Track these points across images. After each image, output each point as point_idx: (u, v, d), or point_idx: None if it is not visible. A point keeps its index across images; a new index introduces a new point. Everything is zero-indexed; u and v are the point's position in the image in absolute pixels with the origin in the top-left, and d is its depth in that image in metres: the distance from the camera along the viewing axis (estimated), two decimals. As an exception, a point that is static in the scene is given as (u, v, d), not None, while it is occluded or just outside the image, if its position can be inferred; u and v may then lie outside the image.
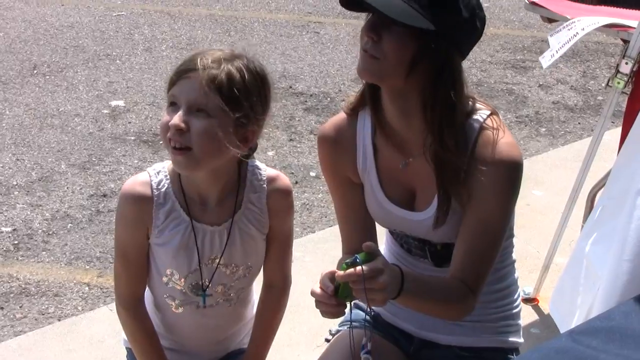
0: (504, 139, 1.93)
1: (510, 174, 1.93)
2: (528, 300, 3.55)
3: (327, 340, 2.32)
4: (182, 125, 1.88)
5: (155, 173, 2.04)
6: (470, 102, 1.97)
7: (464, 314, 2.00)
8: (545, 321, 3.38)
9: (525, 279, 3.64)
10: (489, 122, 1.95)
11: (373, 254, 1.74)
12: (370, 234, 2.17)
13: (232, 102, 1.89)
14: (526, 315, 3.46)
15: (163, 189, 2.03)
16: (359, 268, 1.68)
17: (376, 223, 2.19)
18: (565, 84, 6.25)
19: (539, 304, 3.54)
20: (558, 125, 5.59)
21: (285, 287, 2.23)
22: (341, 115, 2.13)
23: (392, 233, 2.22)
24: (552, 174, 4.70)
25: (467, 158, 1.92)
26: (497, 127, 1.94)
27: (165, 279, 2.10)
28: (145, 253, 2.08)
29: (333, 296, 1.76)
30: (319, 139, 2.14)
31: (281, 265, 2.20)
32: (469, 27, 1.88)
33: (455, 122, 1.91)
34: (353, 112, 2.10)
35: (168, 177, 2.04)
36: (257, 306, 2.25)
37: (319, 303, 1.79)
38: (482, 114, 1.97)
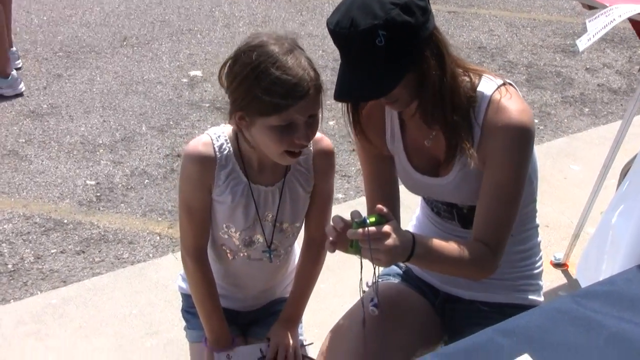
0: (514, 106, 1.89)
1: (520, 138, 1.88)
2: (558, 265, 3.51)
3: (364, 292, 2.33)
4: (310, 142, 1.96)
5: (216, 137, 2.05)
6: (470, 76, 1.93)
7: (485, 274, 1.98)
8: (573, 285, 3.34)
9: (557, 245, 3.62)
10: (496, 93, 1.91)
11: (384, 217, 1.73)
12: (394, 207, 2.15)
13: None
14: (555, 279, 3.43)
15: (225, 152, 2.03)
16: (367, 229, 1.68)
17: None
18: (611, 68, 6.10)
19: (568, 269, 3.50)
20: (601, 106, 5.46)
21: (324, 242, 2.23)
22: None
23: (424, 199, 2.22)
24: (590, 151, 4.61)
25: (480, 127, 1.90)
26: (505, 97, 1.90)
27: (222, 232, 2.12)
28: (209, 207, 2.09)
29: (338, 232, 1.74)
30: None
31: (321, 221, 2.19)
32: (426, 17, 1.79)
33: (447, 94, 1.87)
34: None
35: (228, 141, 2.05)
36: (299, 259, 2.27)
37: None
38: (491, 85, 1.93)
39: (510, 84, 1.96)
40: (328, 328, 2.13)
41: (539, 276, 2.25)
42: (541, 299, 2.24)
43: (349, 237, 1.72)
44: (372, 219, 1.72)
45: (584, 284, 2.81)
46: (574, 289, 3.29)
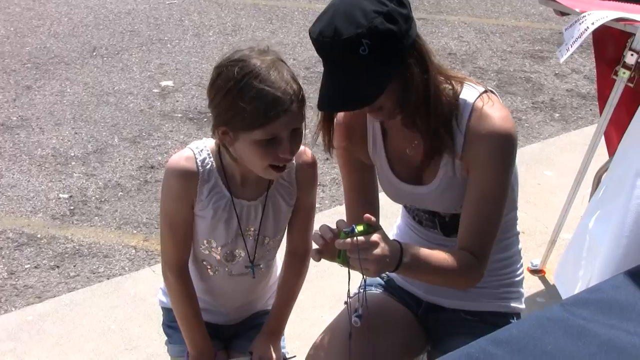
0: (496, 114, 1.89)
1: (503, 145, 1.89)
2: (535, 272, 3.53)
3: (346, 303, 2.31)
4: (294, 155, 1.92)
5: (198, 151, 2.02)
6: (452, 83, 1.92)
7: (472, 282, 1.97)
8: (550, 291, 3.36)
9: (533, 252, 3.63)
10: (479, 101, 1.91)
11: (372, 227, 1.71)
12: (374, 216, 2.13)
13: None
14: (533, 286, 3.44)
15: (207, 167, 2.01)
16: (356, 238, 1.67)
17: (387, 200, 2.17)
18: (580, 74, 6.16)
19: (545, 276, 3.51)
20: (571, 111, 5.51)
21: (307, 255, 2.21)
22: None
23: (406, 207, 2.21)
24: (563, 156, 4.64)
25: (464, 134, 1.90)
26: (488, 104, 1.90)
27: (203, 247, 2.10)
28: (191, 222, 2.07)
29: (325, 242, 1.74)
30: (335, 125, 2.08)
31: (304, 234, 2.18)
32: (409, 25, 1.78)
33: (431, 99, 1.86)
34: None
35: (211, 156, 2.03)
36: (281, 272, 2.25)
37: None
38: (473, 93, 1.92)
39: (492, 91, 1.96)
40: (309, 340, 2.11)
41: (520, 283, 2.25)
42: (523, 306, 2.24)
43: (338, 247, 1.70)
44: (360, 228, 1.70)
45: (562, 290, 2.82)
46: (551, 295, 3.31)
